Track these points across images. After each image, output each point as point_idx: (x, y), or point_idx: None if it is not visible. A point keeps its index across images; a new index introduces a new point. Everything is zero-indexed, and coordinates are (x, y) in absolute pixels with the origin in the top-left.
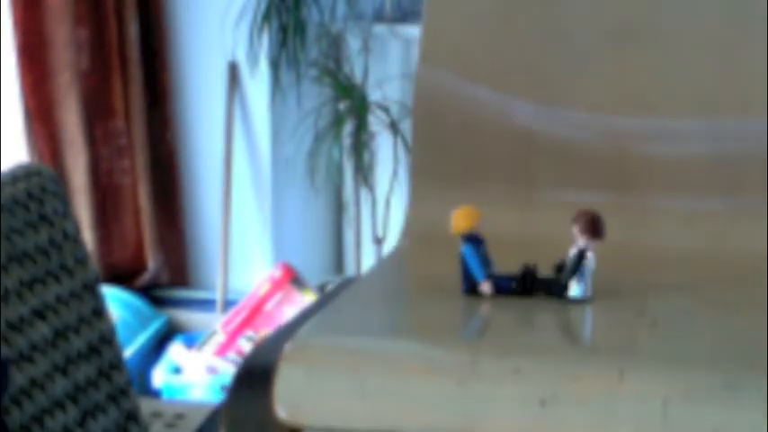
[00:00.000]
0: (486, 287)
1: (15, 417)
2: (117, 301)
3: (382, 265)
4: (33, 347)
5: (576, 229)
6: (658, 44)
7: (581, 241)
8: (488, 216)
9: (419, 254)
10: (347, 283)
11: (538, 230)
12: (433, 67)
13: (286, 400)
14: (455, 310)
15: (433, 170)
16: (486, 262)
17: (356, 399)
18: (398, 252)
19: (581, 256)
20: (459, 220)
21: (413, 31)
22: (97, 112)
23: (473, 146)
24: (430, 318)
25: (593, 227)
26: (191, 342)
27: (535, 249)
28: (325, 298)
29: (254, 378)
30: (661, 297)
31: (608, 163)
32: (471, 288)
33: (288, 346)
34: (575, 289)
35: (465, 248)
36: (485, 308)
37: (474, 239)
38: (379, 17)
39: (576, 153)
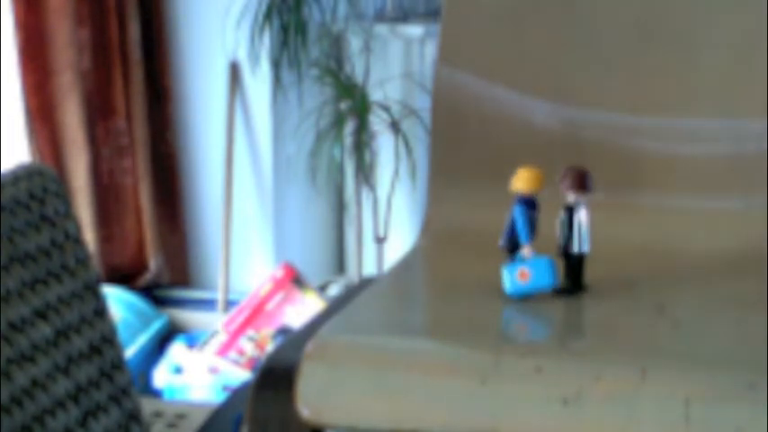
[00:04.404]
0: (526, 251)
1: (17, 417)
2: (118, 301)
3: (401, 264)
4: (35, 347)
5: (563, 186)
6: (677, 44)
7: (570, 197)
8: (506, 215)
9: (438, 253)
10: (367, 282)
11: (557, 228)
12: (452, 66)
13: (309, 399)
14: (477, 310)
15: (451, 170)
16: (533, 228)
17: (379, 398)
18: (417, 251)
19: (570, 212)
20: (518, 180)
21: (414, 30)
22: (98, 112)
23: (491, 145)
24: (451, 317)
25: (581, 181)
26: (192, 342)
27: (554, 248)
28: (345, 297)
29: (277, 377)
30: (680, 297)
31: (626, 162)
32: (512, 248)
33: (310, 345)
34: (575, 245)
35: (516, 209)
36: (506, 307)
37: (528, 202)
38: (380, 17)
39: (595, 152)
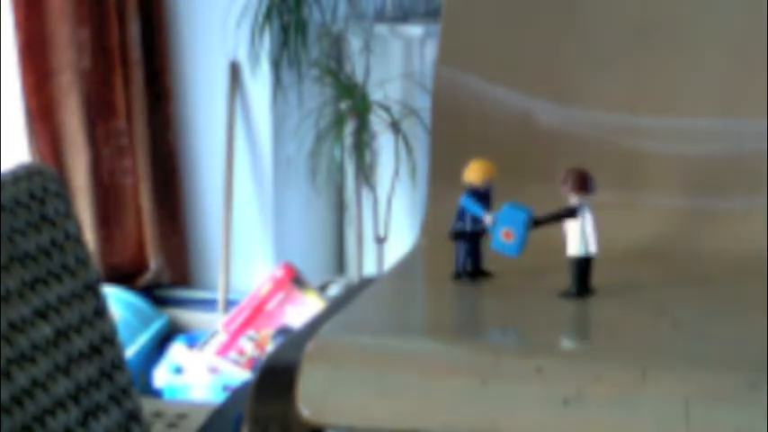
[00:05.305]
0: (488, 219)
1: (17, 417)
2: (118, 300)
3: (401, 264)
4: (35, 347)
5: (565, 188)
6: (677, 44)
7: (573, 199)
8: None
9: (438, 253)
10: (367, 282)
11: (556, 228)
12: (452, 66)
13: (309, 398)
14: (476, 310)
15: (451, 169)
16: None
17: (379, 398)
18: (417, 251)
19: (568, 213)
20: (469, 172)
21: (414, 30)
22: (98, 112)
23: (491, 145)
24: (452, 317)
25: (583, 183)
26: (192, 342)
27: (554, 247)
28: (345, 297)
29: (277, 377)
30: (680, 297)
31: (626, 162)
32: (456, 236)
33: (310, 345)
34: (573, 247)
35: (464, 197)
36: (506, 307)
37: (478, 194)
38: (380, 17)
39: (595, 152)
